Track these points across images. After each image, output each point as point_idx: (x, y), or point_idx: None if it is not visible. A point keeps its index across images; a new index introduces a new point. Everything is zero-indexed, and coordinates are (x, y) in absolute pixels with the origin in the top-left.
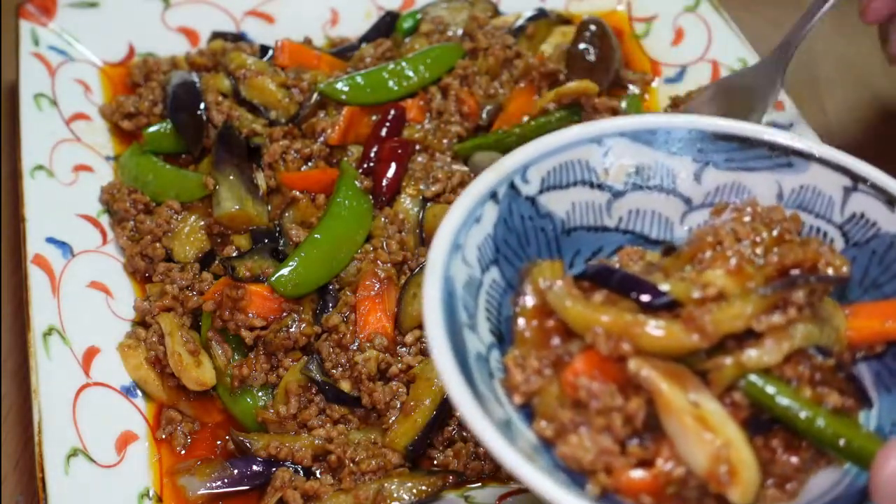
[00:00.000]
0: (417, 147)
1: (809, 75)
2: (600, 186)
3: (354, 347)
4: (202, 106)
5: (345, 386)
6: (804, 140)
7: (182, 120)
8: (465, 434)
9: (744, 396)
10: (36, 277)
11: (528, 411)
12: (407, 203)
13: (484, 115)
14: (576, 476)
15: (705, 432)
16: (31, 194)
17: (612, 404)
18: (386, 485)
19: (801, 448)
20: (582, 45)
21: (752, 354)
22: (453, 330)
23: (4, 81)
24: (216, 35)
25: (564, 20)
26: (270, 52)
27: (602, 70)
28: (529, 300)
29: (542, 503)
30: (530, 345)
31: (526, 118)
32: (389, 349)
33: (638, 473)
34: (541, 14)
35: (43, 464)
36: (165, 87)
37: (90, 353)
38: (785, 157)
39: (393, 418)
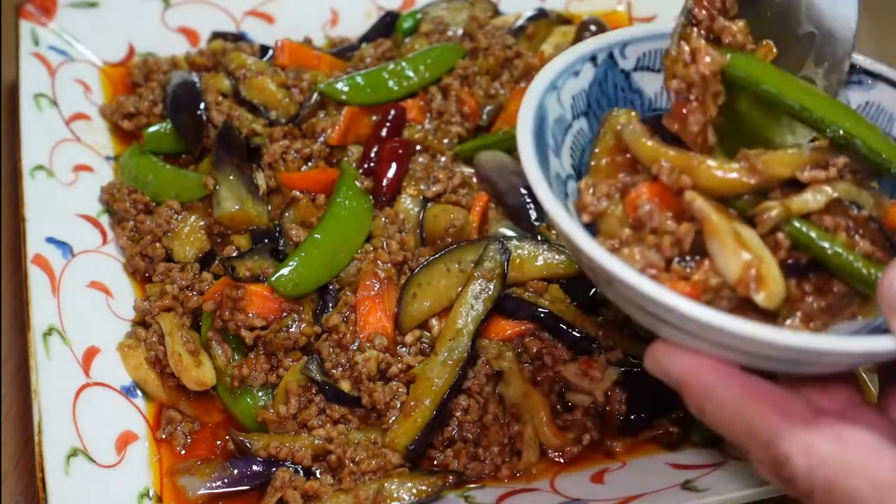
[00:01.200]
0: (418, 147)
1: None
2: None
3: (354, 347)
4: (202, 106)
5: (345, 386)
6: (875, 62)
7: (182, 120)
8: (465, 434)
9: (785, 238)
10: (36, 277)
11: (593, 230)
12: (407, 203)
13: (484, 116)
14: None
15: (741, 249)
16: (31, 194)
17: (664, 226)
18: (386, 485)
19: (829, 293)
20: None
21: (796, 200)
22: (539, 145)
23: (4, 81)
24: (216, 35)
25: (564, 20)
26: (270, 52)
27: None
28: (606, 138)
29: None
30: (602, 175)
31: None
32: (389, 349)
33: (679, 283)
34: (541, 14)
35: (43, 464)
36: (165, 87)
37: (90, 353)
38: (855, 75)
39: (393, 418)
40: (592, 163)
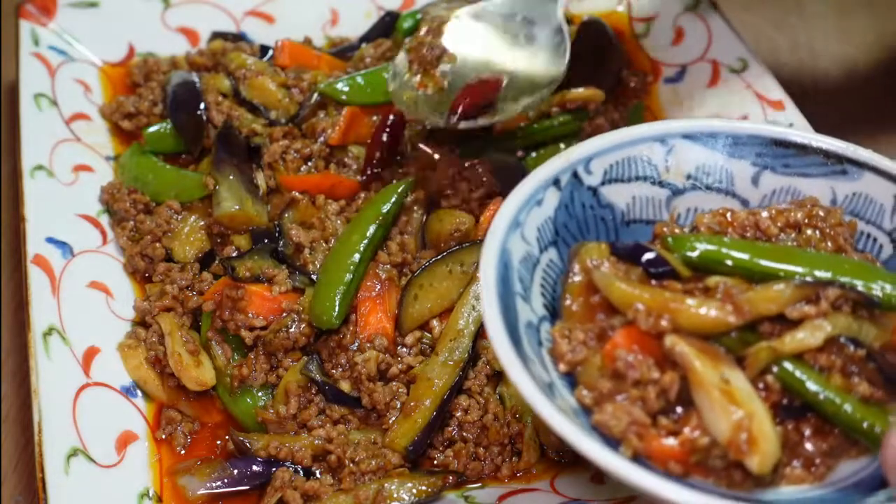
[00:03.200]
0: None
1: (809, 74)
2: (661, 183)
3: (354, 348)
4: (202, 106)
5: (345, 386)
6: (859, 150)
7: (182, 120)
8: (465, 434)
9: (776, 380)
10: (36, 277)
11: (572, 380)
12: (412, 205)
13: None
14: (609, 440)
15: (731, 405)
16: (31, 194)
17: (647, 376)
18: (386, 485)
19: (830, 434)
20: (582, 46)
21: (786, 341)
22: (505, 295)
23: (4, 81)
24: (216, 35)
25: (565, 20)
26: (270, 52)
27: (602, 71)
28: (577, 278)
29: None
30: (577, 318)
31: (527, 122)
32: (389, 350)
33: (667, 441)
34: None
35: (43, 464)
36: (165, 87)
37: (90, 353)
38: (839, 164)
39: (393, 419)
40: (566, 303)
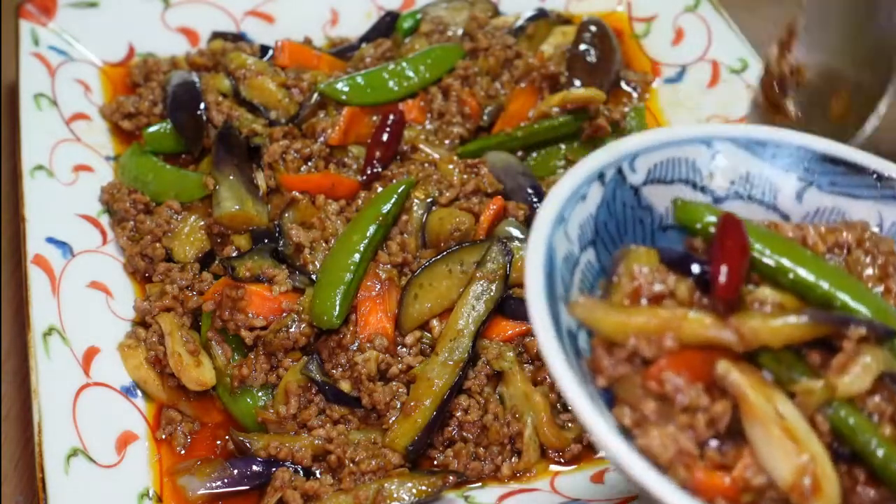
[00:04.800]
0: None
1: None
2: (703, 189)
3: (354, 348)
4: (202, 106)
5: (345, 386)
6: None
7: (182, 120)
8: (465, 434)
9: (825, 422)
10: (36, 277)
11: (610, 395)
12: (413, 205)
13: (485, 116)
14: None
15: (791, 444)
16: (31, 194)
17: (697, 403)
18: (386, 485)
19: (883, 481)
20: (582, 46)
21: (842, 382)
22: (552, 297)
23: (4, 81)
24: (216, 35)
25: (564, 20)
26: (270, 52)
27: (602, 71)
28: (623, 285)
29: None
30: None
31: (527, 121)
32: (389, 350)
33: (717, 476)
34: (541, 14)
35: (43, 464)
36: (165, 87)
37: (90, 353)
38: (892, 189)
39: (393, 418)
40: None
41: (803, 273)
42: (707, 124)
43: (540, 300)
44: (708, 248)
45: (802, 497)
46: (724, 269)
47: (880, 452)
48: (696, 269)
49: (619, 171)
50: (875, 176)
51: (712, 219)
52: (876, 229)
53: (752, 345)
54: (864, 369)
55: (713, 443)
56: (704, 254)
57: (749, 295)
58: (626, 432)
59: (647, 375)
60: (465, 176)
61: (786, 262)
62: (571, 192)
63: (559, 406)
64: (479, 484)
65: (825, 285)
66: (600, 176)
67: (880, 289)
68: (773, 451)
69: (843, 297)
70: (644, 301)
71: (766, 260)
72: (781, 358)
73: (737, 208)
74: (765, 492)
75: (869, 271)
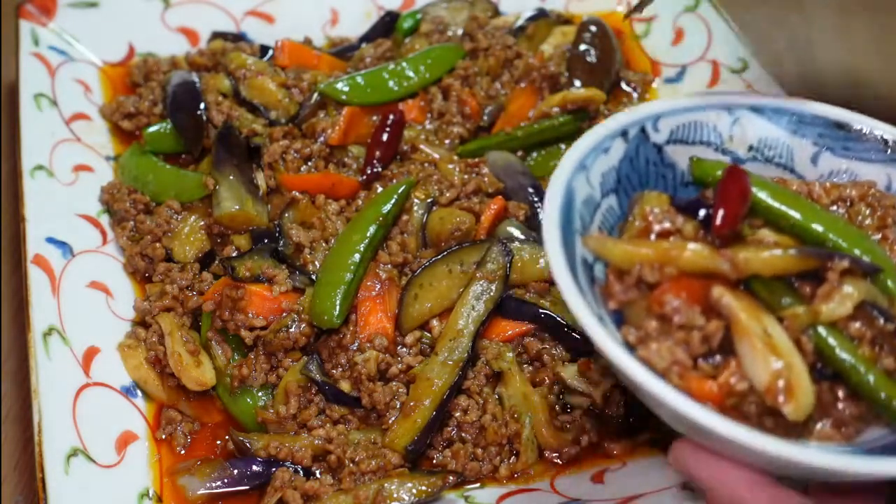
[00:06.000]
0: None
1: (810, 74)
2: (723, 151)
3: (354, 348)
4: (202, 106)
5: (345, 386)
6: None
7: (182, 120)
8: (463, 435)
9: (809, 343)
10: (36, 277)
11: (619, 318)
12: (413, 205)
13: (485, 116)
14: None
15: (772, 355)
16: (31, 194)
17: (693, 322)
18: (386, 485)
19: (862, 399)
20: (582, 46)
21: (824, 308)
22: (566, 227)
23: (4, 81)
24: (216, 35)
25: (564, 20)
26: (270, 52)
27: (602, 71)
28: (635, 224)
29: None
30: None
31: (527, 121)
32: (389, 350)
33: (705, 383)
34: (541, 14)
35: (43, 464)
36: (165, 87)
37: (90, 353)
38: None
39: (393, 418)
40: None
41: (799, 217)
42: (728, 92)
43: (554, 228)
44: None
45: (775, 398)
46: (722, 208)
47: (859, 369)
48: (702, 212)
49: (643, 130)
50: (882, 143)
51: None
52: (883, 189)
53: (744, 273)
54: (846, 297)
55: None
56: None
57: (750, 235)
58: (631, 349)
59: (651, 298)
60: (465, 176)
61: (784, 207)
62: (594, 145)
63: (557, 408)
64: (479, 484)
65: (819, 228)
66: (623, 133)
67: (878, 237)
68: (756, 360)
69: (835, 238)
70: (653, 237)
71: (766, 205)
72: (772, 286)
73: (755, 169)
74: (746, 396)
75: (868, 222)
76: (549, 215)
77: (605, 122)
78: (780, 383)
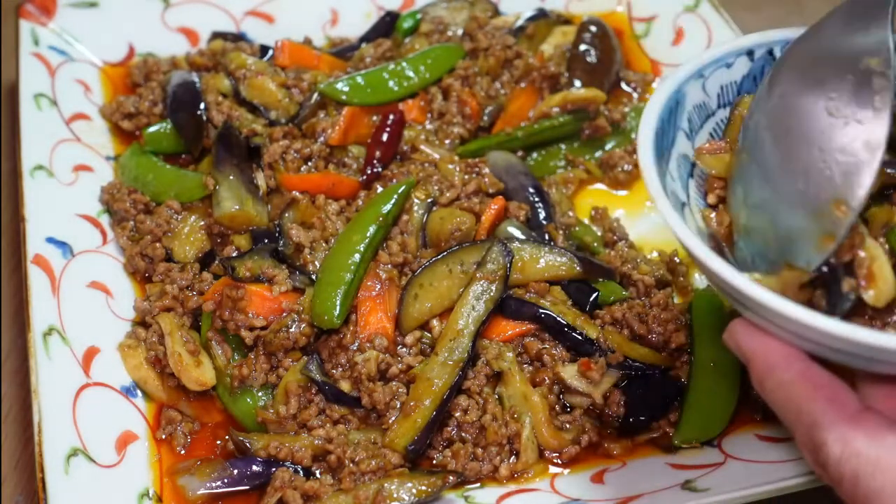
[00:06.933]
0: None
1: None
2: None
3: (354, 348)
4: (202, 106)
5: (345, 386)
6: None
7: (182, 120)
8: (463, 435)
9: (885, 243)
10: (36, 277)
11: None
12: (413, 205)
13: (485, 116)
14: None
15: (855, 246)
16: (31, 194)
17: None
18: (386, 485)
19: None
20: (583, 47)
21: None
22: (667, 121)
23: (4, 81)
24: (216, 35)
25: (564, 20)
26: (270, 52)
27: (603, 71)
28: (734, 126)
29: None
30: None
31: (528, 121)
32: (389, 350)
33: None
34: (541, 14)
35: (43, 464)
36: (165, 87)
37: (90, 353)
38: None
39: (393, 418)
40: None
41: None
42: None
43: (653, 115)
44: None
45: (858, 285)
46: None
47: None
48: None
49: (770, 53)
50: None
51: None
52: None
53: None
54: None
55: None
56: None
57: None
58: (716, 239)
59: None
60: (466, 176)
61: None
62: (716, 58)
63: (557, 408)
64: (479, 484)
65: None
66: (749, 52)
67: None
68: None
69: None
70: None
71: None
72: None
73: None
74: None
75: None
76: (653, 101)
77: (729, 41)
78: (863, 271)
